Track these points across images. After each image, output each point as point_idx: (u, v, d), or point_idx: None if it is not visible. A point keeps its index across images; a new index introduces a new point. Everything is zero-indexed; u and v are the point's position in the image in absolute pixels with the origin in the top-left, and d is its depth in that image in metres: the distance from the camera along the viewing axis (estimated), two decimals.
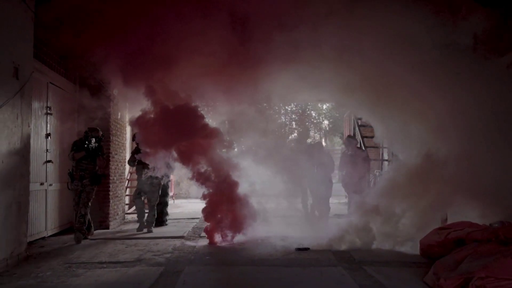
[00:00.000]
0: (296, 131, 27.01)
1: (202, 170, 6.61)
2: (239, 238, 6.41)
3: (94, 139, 6.57)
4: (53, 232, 6.92)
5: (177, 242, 6.37)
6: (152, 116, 6.58)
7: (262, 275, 4.48)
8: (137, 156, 7.31)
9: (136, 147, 7.58)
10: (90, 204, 6.61)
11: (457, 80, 5.86)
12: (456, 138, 6.01)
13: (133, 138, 7.75)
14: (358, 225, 5.94)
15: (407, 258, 5.32)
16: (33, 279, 4.29)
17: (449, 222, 6.13)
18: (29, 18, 5.32)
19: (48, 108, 6.66)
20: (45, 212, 6.62)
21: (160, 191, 7.82)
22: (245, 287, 4.05)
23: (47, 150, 6.62)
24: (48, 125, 6.70)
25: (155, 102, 6.54)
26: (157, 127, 6.41)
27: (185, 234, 7.09)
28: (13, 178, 4.93)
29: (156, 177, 7.40)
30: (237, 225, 6.36)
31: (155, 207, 7.66)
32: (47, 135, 6.62)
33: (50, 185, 6.75)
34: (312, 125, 29.54)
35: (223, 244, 6.25)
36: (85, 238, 6.55)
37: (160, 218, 8.22)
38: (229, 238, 6.33)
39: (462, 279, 3.69)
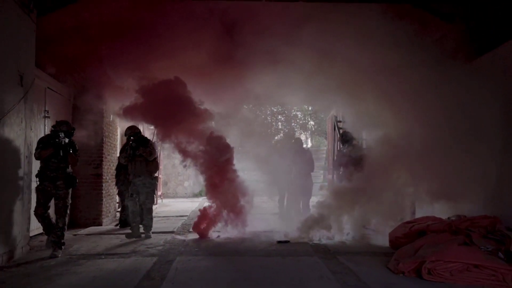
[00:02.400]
0: (282, 131, 27.64)
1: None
2: (225, 234, 6.95)
3: (62, 133, 5.68)
4: None
5: (168, 237, 6.87)
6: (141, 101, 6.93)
7: (247, 263, 5.04)
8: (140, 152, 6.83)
9: (126, 142, 7.12)
10: (68, 212, 5.75)
11: (425, 83, 6.45)
12: (422, 138, 6.67)
13: (125, 133, 7.29)
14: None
15: (377, 249, 5.91)
16: (39, 269, 4.76)
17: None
18: (32, 29, 5.76)
19: (46, 112, 7.08)
20: None
21: (155, 192, 7.35)
22: (232, 274, 4.56)
23: None
24: (46, 128, 7.11)
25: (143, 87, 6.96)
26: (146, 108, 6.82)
27: (175, 230, 7.61)
28: (18, 177, 5.39)
29: (151, 176, 6.97)
30: (238, 211, 6.89)
31: (152, 209, 7.11)
32: None
33: None
34: (298, 126, 30.19)
35: (211, 237, 6.80)
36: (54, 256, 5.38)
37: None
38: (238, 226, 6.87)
39: (417, 263, 4.31)
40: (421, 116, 6.59)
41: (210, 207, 7.06)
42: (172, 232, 7.36)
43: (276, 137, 24.72)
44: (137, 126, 7.40)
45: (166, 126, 7.12)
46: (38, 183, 5.62)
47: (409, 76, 6.56)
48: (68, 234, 7.01)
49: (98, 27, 6.67)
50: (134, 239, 6.63)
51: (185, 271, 4.61)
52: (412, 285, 4.08)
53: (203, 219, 6.90)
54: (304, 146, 8.56)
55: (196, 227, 6.96)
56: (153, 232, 7.12)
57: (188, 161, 7.24)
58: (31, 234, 6.34)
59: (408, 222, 6.02)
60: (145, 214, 6.89)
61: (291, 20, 7.06)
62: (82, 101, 7.94)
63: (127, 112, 6.98)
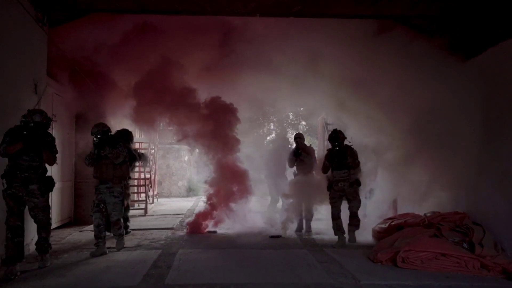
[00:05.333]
0: (274, 132, 28.21)
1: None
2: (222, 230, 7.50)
3: (33, 124, 4.74)
4: (56, 226, 7.81)
5: (169, 232, 7.39)
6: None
7: (243, 255, 5.60)
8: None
9: (94, 141, 5.91)
10: (51, 221, 5.01)
11: (409, 88, 6.98)
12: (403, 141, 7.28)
13: (92, 131, 5.99)
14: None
15: (362, 243, 6.49)
16: (56, 259, 5.27)
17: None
18: (44, 40, 6.25)
19: (54, 116, 7.55)
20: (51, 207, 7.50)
21: (124, 202, 6.29)
22: (230, 263, 5.13)
23: None
24: (53, 131, 7.59)
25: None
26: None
27: (174, 226, 8.11)
28: None
29: (120, 183, 5.97)
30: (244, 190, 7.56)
31: (120, 222, 6.00)
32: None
33: (55, 183, 7.63)
34: (289, 126, 30.78)
35: (208, 231, 7.38)
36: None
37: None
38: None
39: (393, 253, 4.91)
40: (404, 120, 7.23)
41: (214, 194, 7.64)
42: (172, 228, 7.87)
43: (268, 138, 25.38)
44: (106, 124, 6.22)
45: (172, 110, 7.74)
46: (5, 185, 4.65)
47: (392, 83, 7.19)
48: (74, 231, 7.56)
49: (104, 37, 7.19)
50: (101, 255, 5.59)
51: (188, 261, 5.15)
52: (387, 272, 4.67)
53: (206, 215, 7.46)
54: (305, 142, 8.08)
55: (196, 224, 7.47)
56: (154, 229, 7.65)
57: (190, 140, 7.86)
58: None
59: (389, 218, 6.65)
60: (112, 227, 5.91)
61: (285, 30, 7.64)
62: (86, 104, 8.42)
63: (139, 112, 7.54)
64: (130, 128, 7.88)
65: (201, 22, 7.60)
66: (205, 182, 8.07)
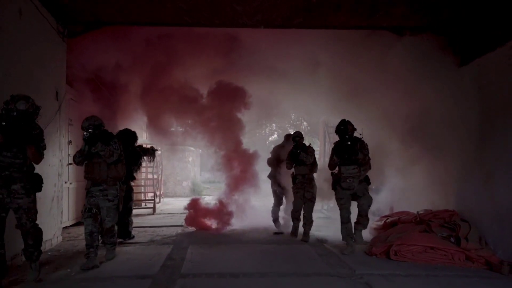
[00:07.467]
0: (276, 132, 28.66)
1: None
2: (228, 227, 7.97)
3: (16, 113, 4.02)
4: (73, 223, 8.31)
5: (178, 229, 7.88)
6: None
7: (249, 249, 6.09)
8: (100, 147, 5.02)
9: (85, 136, 5.11)
10: (38, 227, 4.24)
11: (406, 93, 7.40)
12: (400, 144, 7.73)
13: (82, 126, 5.16)
14: None
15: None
16: (77, 253, 5.74)
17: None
18: (64, 50, 6.73)
19: (70, 120, 8.04)
20: (67, 206, 8.00)
21: (119, 206, 5.41)
22: (238, 256, 5.62)
23: (69, 154, 8.00)
24: (70, 134, 8.08)
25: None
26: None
27: (183, 224, 8.57)
28: (54, 177, 6.37)
29: (116, 186, 5.22)
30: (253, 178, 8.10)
31: (114, 229, 5.41)
32: (69, 142, 8.00)
33: (71, 183, 8.14)
34: (291, 127, 31.20)
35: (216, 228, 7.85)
36: None
37: (126, 228, 6.68)
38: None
39: (386, 246, 5.37)
40: (400, 124, 7.67)
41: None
42: (181, 225, 8.34)
43: (270, 138, 25.86)
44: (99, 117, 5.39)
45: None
46: None
47: (388, 87, 7.64)
48: None
49: (117, 47, 7.67)
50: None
51: (200, 254, 5.64)
52: (381, 263, 5.15)
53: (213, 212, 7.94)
54: (305, 142, 7.55)
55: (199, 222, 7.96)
56: (164, 226, 8.11)
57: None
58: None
59: (384, 216, 7.12)
60: (105, 235, 5.34)
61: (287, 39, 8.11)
62: (98, 108, 8.90)
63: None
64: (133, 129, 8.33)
65: (207, 31, 8.09)
66: (217, 169, 8.49)
